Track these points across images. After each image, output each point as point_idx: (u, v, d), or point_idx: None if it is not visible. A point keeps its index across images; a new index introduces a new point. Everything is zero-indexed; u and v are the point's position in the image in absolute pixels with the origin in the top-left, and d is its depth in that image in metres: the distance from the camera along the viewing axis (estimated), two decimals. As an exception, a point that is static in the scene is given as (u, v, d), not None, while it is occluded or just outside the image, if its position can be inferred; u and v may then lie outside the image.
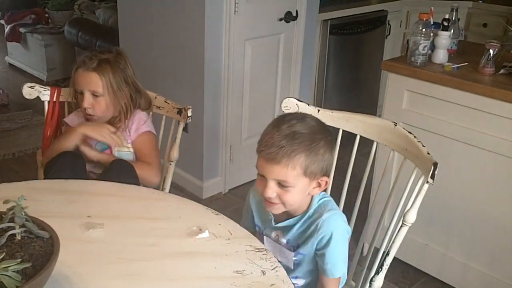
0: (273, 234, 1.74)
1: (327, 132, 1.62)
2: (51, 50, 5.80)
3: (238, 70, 3.41)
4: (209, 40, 3.21)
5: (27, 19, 6.18)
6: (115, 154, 2.17)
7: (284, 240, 1.71)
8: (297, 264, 1.73)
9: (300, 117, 1.63)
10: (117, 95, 2.14)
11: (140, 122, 2.20)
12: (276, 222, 1.71)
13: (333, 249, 1.61)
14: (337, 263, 1.63)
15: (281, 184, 1.56)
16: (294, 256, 1.71)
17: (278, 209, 1.63)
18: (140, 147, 2.20)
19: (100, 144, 2.18)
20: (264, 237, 1.77)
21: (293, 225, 1.68)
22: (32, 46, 5.97)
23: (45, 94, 2.28)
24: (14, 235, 1.20)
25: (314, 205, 1.66)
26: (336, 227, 1.62)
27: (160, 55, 3.57)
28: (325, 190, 1.71)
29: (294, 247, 1.70)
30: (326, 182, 1.63)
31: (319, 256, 1.65)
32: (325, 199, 1.69)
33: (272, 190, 1.57)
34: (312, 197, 1.67)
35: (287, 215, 1.69)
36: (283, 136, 1.54)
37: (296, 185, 1.56)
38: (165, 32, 3.48)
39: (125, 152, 2.19)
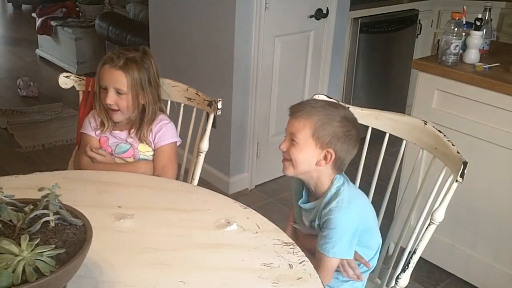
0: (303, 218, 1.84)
1: (351, 124, 1.69)
2: (81, 44, 5.87)
3: (267, 67, 3.41)
4: (239, 36, 3.22)
5: (58, 12, 6.27)
6: (139, 157, 2.17)
7: (306, 222, 1.81)
8: None
9: (342, 105, 1.80)
10: (139, 95, 2.13)
11: (166, 130, 2.18)
12: (303, 203, 1.81)
13: (333, 231, 1.65)
14: (336, 243, 1.65)
15: (293, 140, 1.68)
16: None
17: (288, 168, 1.71)
18: (160, 157, 2.18)
19: (120, 146, 2.17)
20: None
21: (313, 208, 1.75)
22: (63, 40, 6.05)
23: (80, 84, 2.32)
24: (48, 222, 1.23)
25: (332, 190, 1.70)
26: (341, 217, 1.66)
27: (189, 50, 3.59)
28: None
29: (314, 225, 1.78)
30: (332, 155, 1.66)
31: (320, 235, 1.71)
32: (342, 187, 1.71)
33: (285, 145, 1.70)
34: (332, 181, 1.71)
35: (313, 197, 1.77)
36: (313, 101, 1.78)
37: (303, 144, 1.66)
38: (195, 27, 3.49)
39: (147, 156, 2.19)
